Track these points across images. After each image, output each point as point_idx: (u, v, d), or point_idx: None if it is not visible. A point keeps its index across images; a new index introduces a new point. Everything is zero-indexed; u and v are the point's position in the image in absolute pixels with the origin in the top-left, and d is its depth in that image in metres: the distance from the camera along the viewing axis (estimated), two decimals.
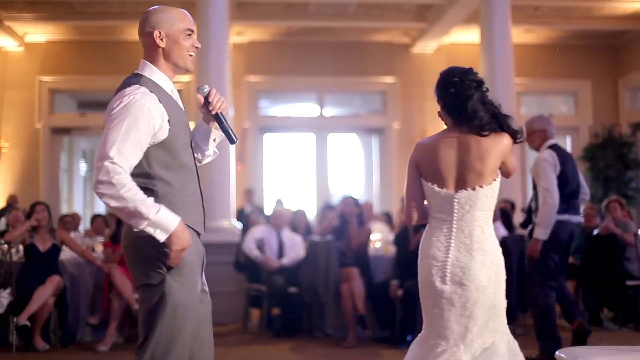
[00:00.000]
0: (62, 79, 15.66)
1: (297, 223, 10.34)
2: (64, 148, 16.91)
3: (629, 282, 9.53)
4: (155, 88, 3.49)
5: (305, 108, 17.69)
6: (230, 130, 3.71)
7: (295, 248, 9.59)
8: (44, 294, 8.01)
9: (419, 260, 3.89)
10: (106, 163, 3.27)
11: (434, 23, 14.42)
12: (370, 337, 9.03)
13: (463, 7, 13.23)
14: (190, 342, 3.48)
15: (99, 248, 9.60)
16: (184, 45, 3.57)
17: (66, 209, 16.12)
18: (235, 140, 3.74)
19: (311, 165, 16.54)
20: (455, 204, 3.82)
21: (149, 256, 3.41)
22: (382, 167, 16.23)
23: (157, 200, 3.37)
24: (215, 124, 3.77)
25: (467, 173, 3.82)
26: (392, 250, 9.42)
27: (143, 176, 3.42)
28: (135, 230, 3.35)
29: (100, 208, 18.11)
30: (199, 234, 3.60)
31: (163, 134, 3.44)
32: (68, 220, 10.86)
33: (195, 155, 3.76)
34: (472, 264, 3.77)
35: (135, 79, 3.52)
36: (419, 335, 3.89)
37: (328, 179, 16.36)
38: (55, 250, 8.46)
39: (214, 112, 3.68)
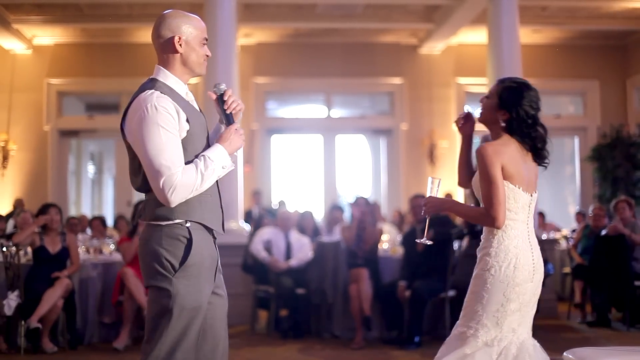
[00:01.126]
0: (70, 81, 15.70)
1: (305, 224, 10.34)
2: (72, 150, 16.95)
3: (637, 283, 9.50)
4: (169, 92, 3.54)
5: (313, 109, 17.69)
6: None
7: (303, 249, 9.60)
8: (54, 296, 8.02)
9: (494, 260, 3.86)
10: (162, 182, 3.40)
11: (441, 24, 14.40)
12: (378, 338, 9.02)
13: (470, 7, 13.21)
14: (195, 344, 3.53)
15: (107, 250, 9.61)
16: (200, 53, 3.65)
17: (74, 212, 16.16)
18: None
19: (319, 166, 16.54)
20: (530, 206, 3.97)
21: (159, 258, 3.47)
22: (390, 168, 16.21)
23: None
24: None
25: (534, 178, 4.00)
26: (399, 251, 9.42)
27: None
28: (152, 228, 3.51)
29: (108, 210, 18.17)
30: (214, 237, 3.67)
31: (182, 134, 3.51)
32: (74, 223, 10.89)
33: None
34: (542, 260, 3.99)
35: (150, 84, 3.58)
36: (476, 343, 3.84)
37: (336, 181, 16.35)
38: (65, 252, 8.48)
39: (228, 112, 3.72)
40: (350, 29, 15.36)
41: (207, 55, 3.70)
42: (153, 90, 3.50)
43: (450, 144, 15.76)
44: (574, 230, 12.56)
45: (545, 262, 8.52)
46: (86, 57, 15.58)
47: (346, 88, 16.53)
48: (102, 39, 15.58)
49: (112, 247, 9.73)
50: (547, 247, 9.15)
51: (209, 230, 3.62)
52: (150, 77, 3.66)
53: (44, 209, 8.58)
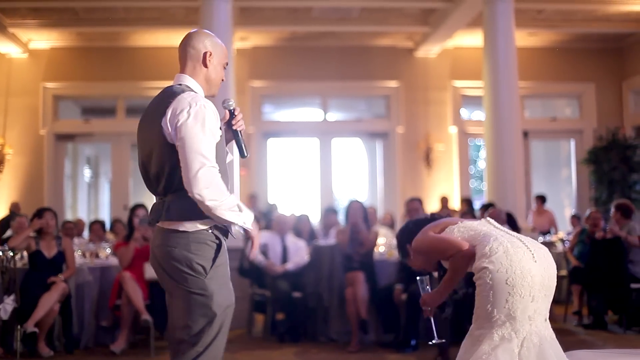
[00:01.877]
0: (66, 85, 15.69)
1: (301, 228, 10.33)
2: (68, 154, 16.93)
3: (634, 285, 9.50)
4: None
5: (309, 113, 17.70)
6: (243, 145, 4.03)
7: (299, 253, 9.59)
8: (50, 300, 8.00)
9: (485, 259, 3.79)
10: (204, 170, 3.53)
11: (437, 27, 14.41)
12: (375, 341, 9.01)
13: (466, 10, 13.22)
14: (224, 340, 3.76)
15: (103, 254, 9.60)
16: (220, 74, 3.89)
17: (70, 215, 16.14)
18: (246, 154, 4.00)
19: (315, 170, 16.54)
20: (491, 222, 4.09)
21: (190, 262, 3.62)
22: (386, 171, 16.22)
23: None
24: (230, 142, 4.03)
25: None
26: (396, 254, 9.39)
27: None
28: (177, 235, 3.64)
29: (104, 214, 18.15)
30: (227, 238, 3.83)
31: (217, 138, 3.69)
32: (69, 227, 10.86)
33: None
34: (542, 247, 3.92)
35: (182, 87, 3.75)
36: (492, 340, 3.75)
37: (332, 184, 16.34)
38: (61, 257, 8.45)
39: (234, 128, 3.97)
40: (346, 32, 15.37)
41: (222, 80, 3.93)
42: (196, 93, 3.71)
43: (446, 147, 15.78)
44: (569, 233, 12.56)
45: None
46: (82, 61, 15.58)
47: (342, 91, 16.52)
48: (98, 43, 15.56)
49: (109, 251, 9.72)
50: None
51: (226, 234, 3.78)
52: (178, 83, 3.81)
53: (39, 213, 8.57)
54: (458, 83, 16.00)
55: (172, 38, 14.52)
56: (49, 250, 8.40)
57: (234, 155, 4.17)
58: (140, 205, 9.28)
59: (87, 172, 19.71)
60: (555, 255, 11.82)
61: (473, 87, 15.25)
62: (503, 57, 12.29)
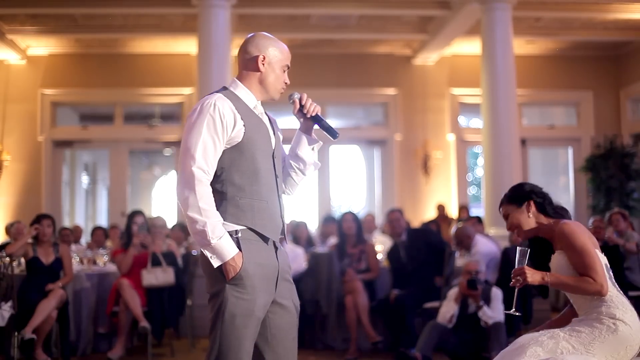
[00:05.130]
0: (64, 91, 15.67)
1: (299, 235, 10.32)
2: (66, 161, 16.90)
3: (631, 293, 9.49)
4: (234, 98, 3.65)
5: None
6: (329, 127, 3.91)
7: (297, 260, 9.57)
8: (48, 307, 7.98)
9: (627, 322, 3.89)
10: (193, 168, 3.44)
11: (435, 35, 14.42)
12: (372, 348, 8.99)
13: (464, 18, 13.24)
14: (250, 352, 3.61)
15: (101, 260, 9.58)
16: (280, 77, 3.79)
17: (68, 222, 16.11)
18: (337, 134, 3.89)
19: (313, 177, 16.52)
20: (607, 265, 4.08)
21: (212, 267, 3.50)
22: (384, 179, 16.21)
23: (225, 202, 3.54)
24: (312, 130, 3.97)
25: None
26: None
27: (215, 177, 3.56)
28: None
29: (102, 220, 18.12)
30: (276, 247, 3.72)
31: (238, 137, 3.59)
32: (66, 233, 10.84)
33: (298, 166, 3.93)
34: None
35: (219, 89, 3.72)
36: None
37: (330, 191, 16.34)
38: (59, 263, 8.44)
39: (309, 115, 3.89)
40: (345, 39, 15.38)
41: (286, 83, 3.83)
42: (216, 93, 3.63)
43: (444, 155, 15.78)
44: None
45: None
46: (80, 68, 15.57)
47: (340, 99, 16.53)
48: (96, 50, 15.57)
49: (106, 257, 9.70)
50: None
51: (264, 238, 3.62)
52: (224, 86, 3.78)
53: (38, 220, 8.56)
54: (456, 91, 16.01)
55: (170, 45, 14.54)
56: (47, 257, 8.39)
57: (313, 160, 3.99)
58: (139, 212, 9.27)
59: (84, 179, 19.69)
60: None
61: (471, 94, 15.26)
62: (501, 65, 12.32)
